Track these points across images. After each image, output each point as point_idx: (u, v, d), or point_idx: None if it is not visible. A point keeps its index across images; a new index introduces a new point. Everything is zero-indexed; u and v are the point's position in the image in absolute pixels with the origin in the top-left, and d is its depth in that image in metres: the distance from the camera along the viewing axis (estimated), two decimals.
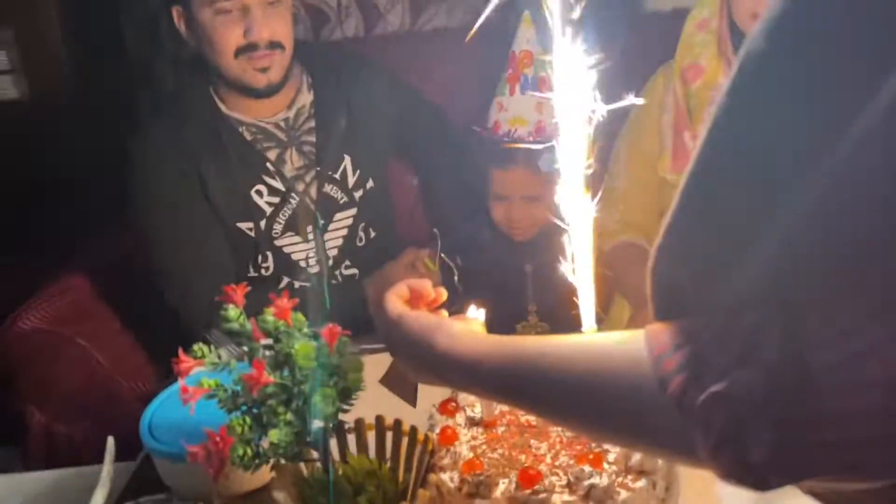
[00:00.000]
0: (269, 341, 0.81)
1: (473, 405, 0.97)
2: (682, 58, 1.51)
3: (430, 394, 1.08)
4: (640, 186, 1.62)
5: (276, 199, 1.48)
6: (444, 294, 0.83)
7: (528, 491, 0.82)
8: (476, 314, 0.82)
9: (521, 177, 1.49)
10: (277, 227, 1.49)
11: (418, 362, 0.75)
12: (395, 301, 0.79)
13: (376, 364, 1.25)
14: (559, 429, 0.91)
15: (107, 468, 0.84)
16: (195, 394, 0.76)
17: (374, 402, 1.03)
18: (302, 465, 0.85)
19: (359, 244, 1.59)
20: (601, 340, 0.60)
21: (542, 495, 0.81)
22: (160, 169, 1.43)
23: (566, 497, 0.82)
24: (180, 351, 0.78)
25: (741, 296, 0.46)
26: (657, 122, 1.57)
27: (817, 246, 0.43)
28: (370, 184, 1.57)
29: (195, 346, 0.78)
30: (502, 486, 0.84)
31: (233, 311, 0.80)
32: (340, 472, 0.82)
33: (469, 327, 0.73)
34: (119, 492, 0.95)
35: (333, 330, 0.81)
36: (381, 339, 0.81)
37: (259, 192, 1.47)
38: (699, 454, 0.47)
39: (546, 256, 1.53)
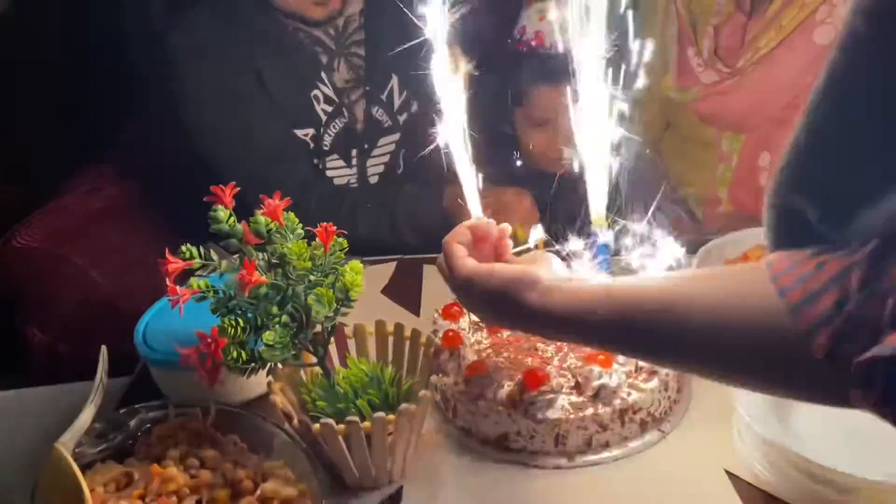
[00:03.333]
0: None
1: None
2: None
3: (434, 301, 1.05)
4: (643, 102, 1.54)
5: (329, 108, 1.41)
6: (509, 228, 0.76)
7: (534, 392, 0.79)
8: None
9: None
10: (326, 141, 1.42)
11: (503, 317, 0.69)
12: (460, 253, 0.71)
13: (378, 275, 1.22)
14: None
15: (99, 376, 0.81)
16: (184, 295, 0.72)
17: (377, 312, 1.00)
18: (301, 370, 0.83)
19: (398, 172, 1.52)
20: (718, 286, 0.54)
21: (549, 396, 0.78)
22: (211, 63, 1.34)
23: (574, 398, 0.80)
24: (167, 252, 0.74)
25: (883, 230, 0.42)
26: (660, 36, 1.47)
27: None
28: (415, 107, 1.49)
29: (183, 247, 0.75)
30: (507, 389, 0.82)
31: (222, 212, 0.76)
32: (340, 376, 0.79)
33: (555, 275, 0.65)
34: (116, 402, 0.94)
35: (329, 229, 0.77)
36: (450, 289, 0.74)
37: (317, 98, 1.40)
38: (855, 403, 0.43)
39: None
